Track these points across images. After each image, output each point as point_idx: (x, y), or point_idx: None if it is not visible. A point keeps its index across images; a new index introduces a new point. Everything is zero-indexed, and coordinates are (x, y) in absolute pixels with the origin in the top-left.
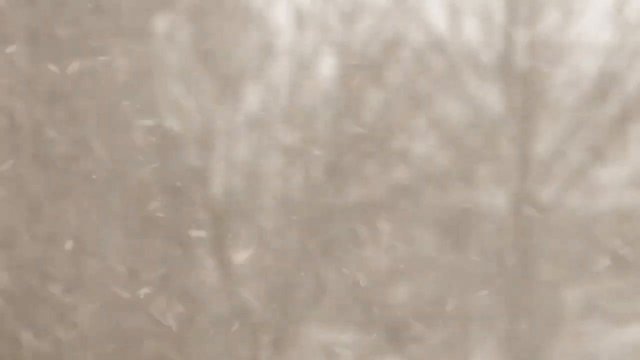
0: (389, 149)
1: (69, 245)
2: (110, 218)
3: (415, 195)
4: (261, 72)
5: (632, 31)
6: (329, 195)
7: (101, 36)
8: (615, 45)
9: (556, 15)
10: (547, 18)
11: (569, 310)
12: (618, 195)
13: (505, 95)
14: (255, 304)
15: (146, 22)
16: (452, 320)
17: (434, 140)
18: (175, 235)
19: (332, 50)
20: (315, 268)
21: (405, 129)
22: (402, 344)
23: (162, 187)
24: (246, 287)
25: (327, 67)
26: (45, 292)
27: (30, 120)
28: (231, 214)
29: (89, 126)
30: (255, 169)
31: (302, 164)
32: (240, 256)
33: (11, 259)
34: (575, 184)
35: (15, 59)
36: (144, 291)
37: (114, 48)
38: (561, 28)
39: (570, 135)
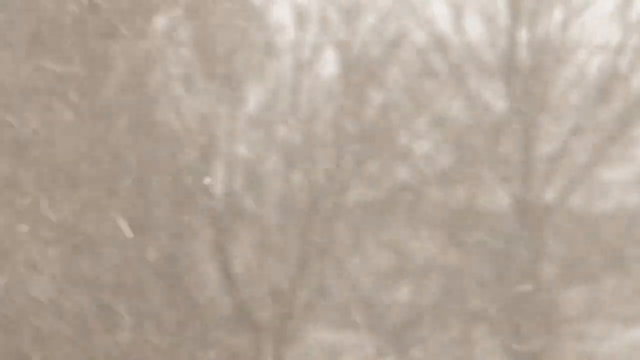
0: (390, 149)
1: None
2: (110, 217)
3: (417, 195)
4: (262, 71)
5: (635, 30)
6: (330, 195)
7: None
8: (619, 44)
9: (559, 15)
10: (551, 17)
11: (572, 311)
12: (622, 195)
13: (509, 95)
14: (256, 304)
15: (146, 21)
16: (454, 321)
17: (436, 140)
18: (175, 234)
19: (333, 49)
20: (316, 268)
21: (407, 128)
22: (404, 345)
23: (161, 187)
24: (247, 288)
25: (328, 66)
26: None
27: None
28: (232, 214)
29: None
30: (256, 168)
31: (303, 163)
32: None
33: None
34: (578, 184)
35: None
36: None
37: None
38: (564, 27)
39: (573, 135)
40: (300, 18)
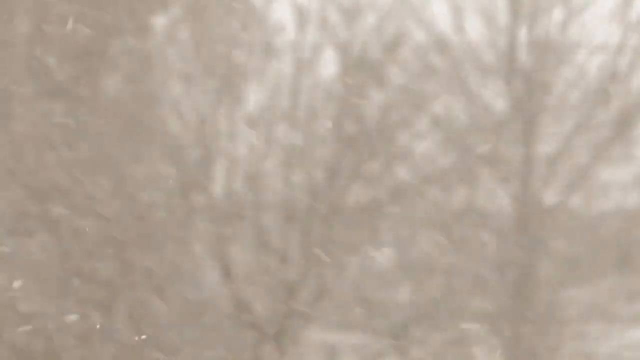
0: (390, 149)
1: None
2: (111, 217)
3: (417, 195)
4: (262, 71)
5: (635, 30)
6: (330, 195)
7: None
8: (619, 44)
9: (559, 15)
10: (551, 17)
11: (572, 312)
12: (622, 195)
13: (508, 95)
14: (256, 305)
15: (146, 21)
16: (455, 321)
17: (436, 139)
18: (175, 235)
19: (333, 49)
20: (316, 269)
21: (407, 128)
22: (404, 345)
23: (162, 187)
24: (247, 288)
25: (328, 66)
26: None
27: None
28: (232, 214)
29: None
30: (256, 168)
31: (303, 163)
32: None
33: None
34: (578, 184)
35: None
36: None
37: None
38: (564, 27)
39: (573, 135)
40: (300, 18)
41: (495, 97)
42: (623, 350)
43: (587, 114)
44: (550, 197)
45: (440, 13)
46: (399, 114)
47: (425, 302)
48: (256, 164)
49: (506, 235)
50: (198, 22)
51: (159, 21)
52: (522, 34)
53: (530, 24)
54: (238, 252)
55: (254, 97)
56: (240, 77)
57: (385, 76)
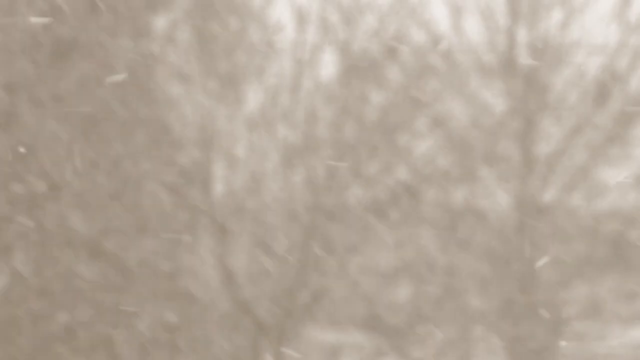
0: (390, 149)
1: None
2: (111, 217)
3: (417, 195)
4: (262, 72)
5: (635, 30)
6: (330, 195)
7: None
8: (618, 44)
9: (559, 15)
10: (550, 17)
11: (572, 312)
12: (621, 195)
13: (508, 95)
14: (256, 305)
15: (146, 21)
16: (454, 321)
17: (435, 140)
18: (175, 234)
19: (333, 50)
20: (316, 268)
21: (407, 128)
22: (404, 345)
23: (161, 187)
24: (247, 288)
25: (328, 66)
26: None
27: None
28: (232, 214)
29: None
30: (256, 168)
31: (302, 164)
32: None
33: None
34: (578, 184)
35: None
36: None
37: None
38: (564, 27)
39: (572, 135)
40: (300, 18)
41: (495, 97)
42: (623, 350)
43: (586, 114)
44: (549, 196)
45: (439, 13)
46: (399, 114)
47: (425, 302)
48: (256, 164)
49: (506, 235)
50: (198, 22)
51: (160, 21)
52: (522, 34)
53: (530, 24)
54: (238, 253)
55: (254, 97)
56: (240, 77)
57: (385, 76)
